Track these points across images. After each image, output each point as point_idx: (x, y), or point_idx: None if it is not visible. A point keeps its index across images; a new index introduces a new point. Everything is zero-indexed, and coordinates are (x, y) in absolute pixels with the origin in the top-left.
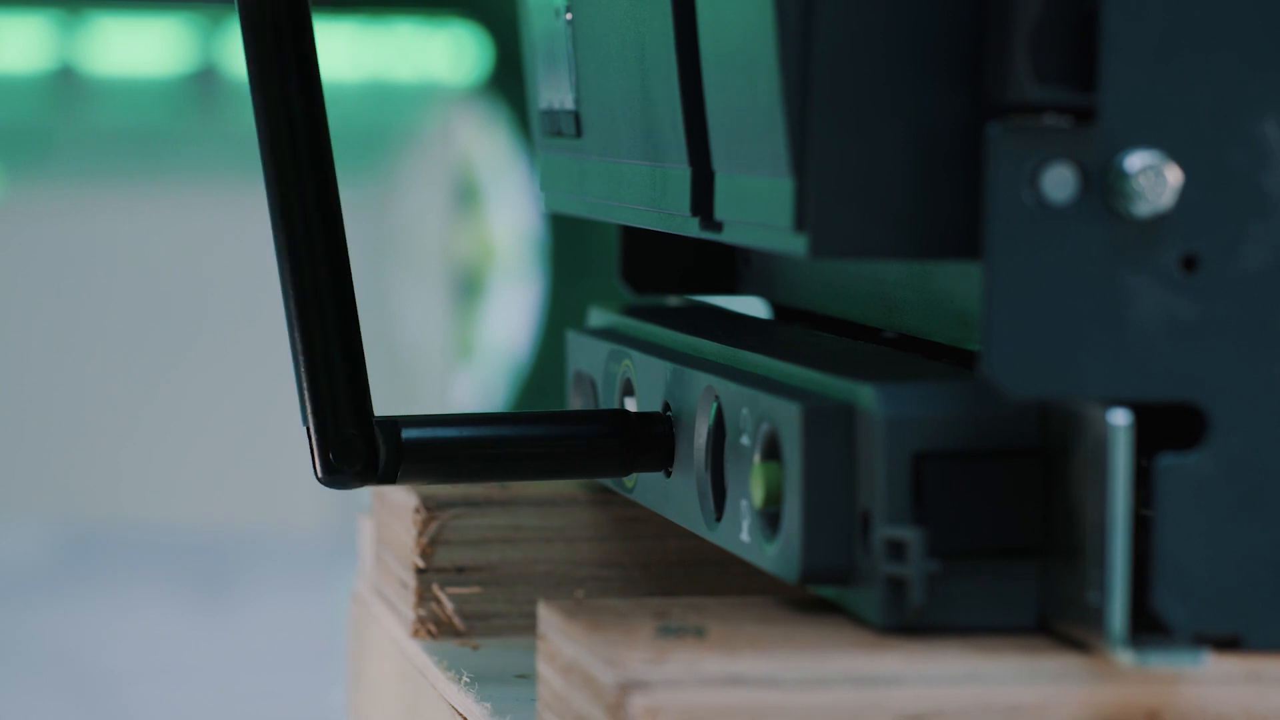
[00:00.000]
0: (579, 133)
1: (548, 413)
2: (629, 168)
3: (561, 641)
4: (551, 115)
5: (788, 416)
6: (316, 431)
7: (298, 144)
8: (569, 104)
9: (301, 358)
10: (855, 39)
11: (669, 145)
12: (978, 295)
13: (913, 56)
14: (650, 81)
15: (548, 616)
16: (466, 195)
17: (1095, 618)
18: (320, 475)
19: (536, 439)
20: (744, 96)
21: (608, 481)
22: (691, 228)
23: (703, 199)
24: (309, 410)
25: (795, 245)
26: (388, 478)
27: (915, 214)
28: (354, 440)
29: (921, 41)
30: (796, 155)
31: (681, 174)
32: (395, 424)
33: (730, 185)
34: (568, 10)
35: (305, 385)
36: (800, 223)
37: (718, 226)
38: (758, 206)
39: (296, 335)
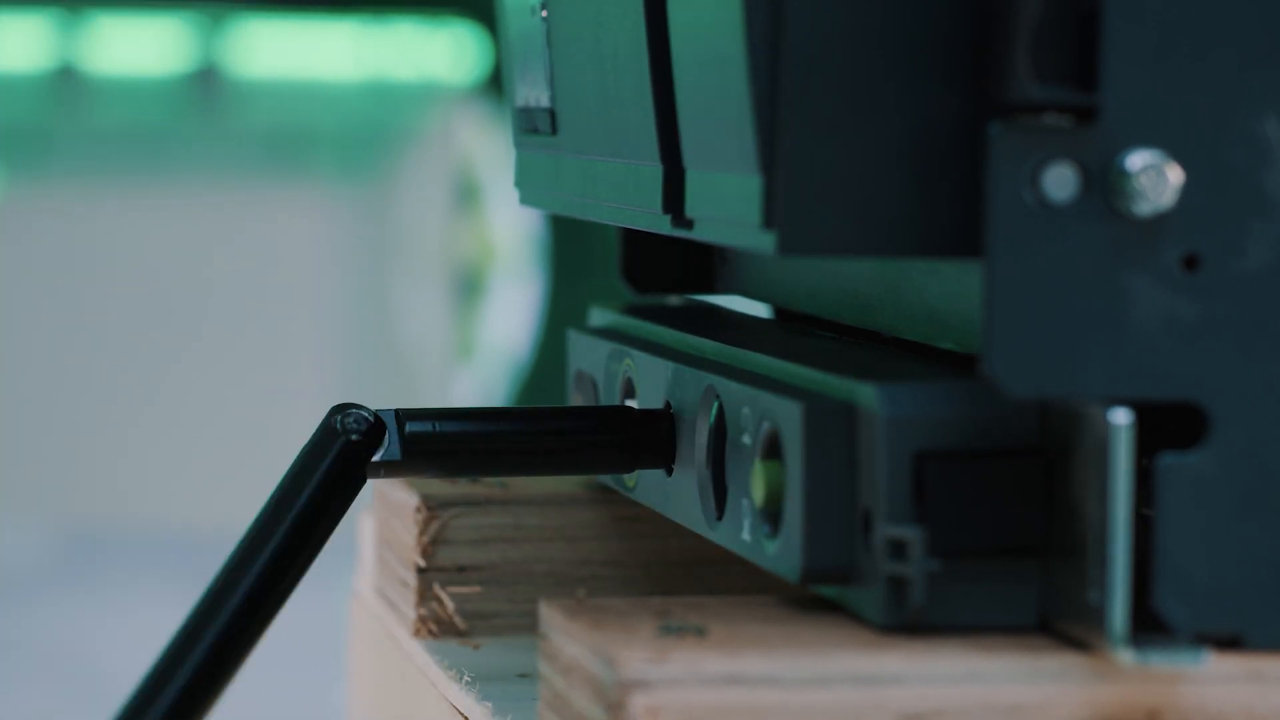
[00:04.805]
0: (554, 130)
1: (551, 408)
2: (603, 165)
3: (562, 641)
4: (528, 112)
5: (789, 416)
6: None
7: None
8: (545, 101)
9: None
10: (823, 36)
11: (641, 142)
12: (949, 294)
13: (880, 54)
14: (623, 79)
15: (549, 616)
16: (466, 195)
17: (1096, 617)
18: None
19: (541, 434)
20: (714, 94)
21: (608, 480)
22: (663, 225)
23: (674, 196)
24: None
25: (764, 242)
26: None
27: (886, 211)
28: None
29: (891, 39)
30: (765, 152)
31: (653, 171)
32: (399, 417)
33: (701, 182)
34: (543, 8)
35: None
36: (769, 220)
37: (688, 224)
38: (728, 203)
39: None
